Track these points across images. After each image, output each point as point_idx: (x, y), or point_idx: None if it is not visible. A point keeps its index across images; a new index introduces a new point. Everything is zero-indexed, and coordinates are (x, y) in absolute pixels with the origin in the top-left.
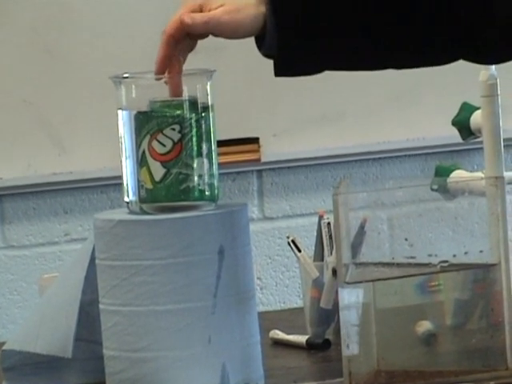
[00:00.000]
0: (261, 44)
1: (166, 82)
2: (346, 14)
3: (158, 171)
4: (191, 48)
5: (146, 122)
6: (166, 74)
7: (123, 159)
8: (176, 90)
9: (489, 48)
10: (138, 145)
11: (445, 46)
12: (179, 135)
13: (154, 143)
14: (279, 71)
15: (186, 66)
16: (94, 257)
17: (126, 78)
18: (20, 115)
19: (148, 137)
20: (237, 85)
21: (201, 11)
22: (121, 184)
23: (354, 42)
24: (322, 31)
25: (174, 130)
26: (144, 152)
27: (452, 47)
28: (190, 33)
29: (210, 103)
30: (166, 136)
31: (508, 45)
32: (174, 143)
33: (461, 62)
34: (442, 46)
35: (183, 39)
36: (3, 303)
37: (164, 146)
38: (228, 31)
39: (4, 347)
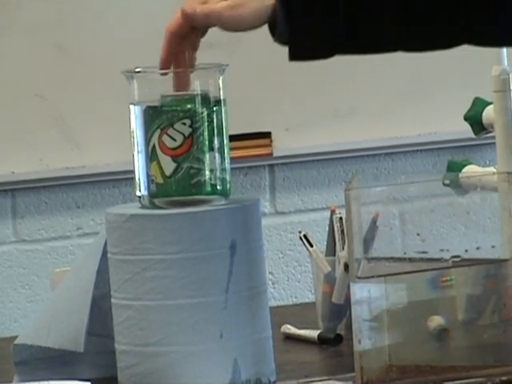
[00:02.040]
0: (273, 32)
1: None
2: None
3: (169, 166)
4: (194, 45)
5: (156, 117)
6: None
7: (135, 154)
8: (181, 86)
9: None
10: (148, 139)
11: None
12: (190, 129)
13: (165, 138)
14: (293, 56)
15: (199, 61)
16: (105, 251)
17: (139, 72)
18: (32, 110)
19: (158, 131)
20: (249, 79)
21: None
22: (133, 178)
23: (363, 23)
24: (330, 13)
25: (184, 124)
26: (154, 146)
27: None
28: (192, 25)
29: (222, 97)
30: (177, 130)
31: None
32: (185, 138)
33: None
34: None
35: (185, 35)
36: (15, 297)
37: (175, 140)
38: (231, 25)
39: (16, 341)
